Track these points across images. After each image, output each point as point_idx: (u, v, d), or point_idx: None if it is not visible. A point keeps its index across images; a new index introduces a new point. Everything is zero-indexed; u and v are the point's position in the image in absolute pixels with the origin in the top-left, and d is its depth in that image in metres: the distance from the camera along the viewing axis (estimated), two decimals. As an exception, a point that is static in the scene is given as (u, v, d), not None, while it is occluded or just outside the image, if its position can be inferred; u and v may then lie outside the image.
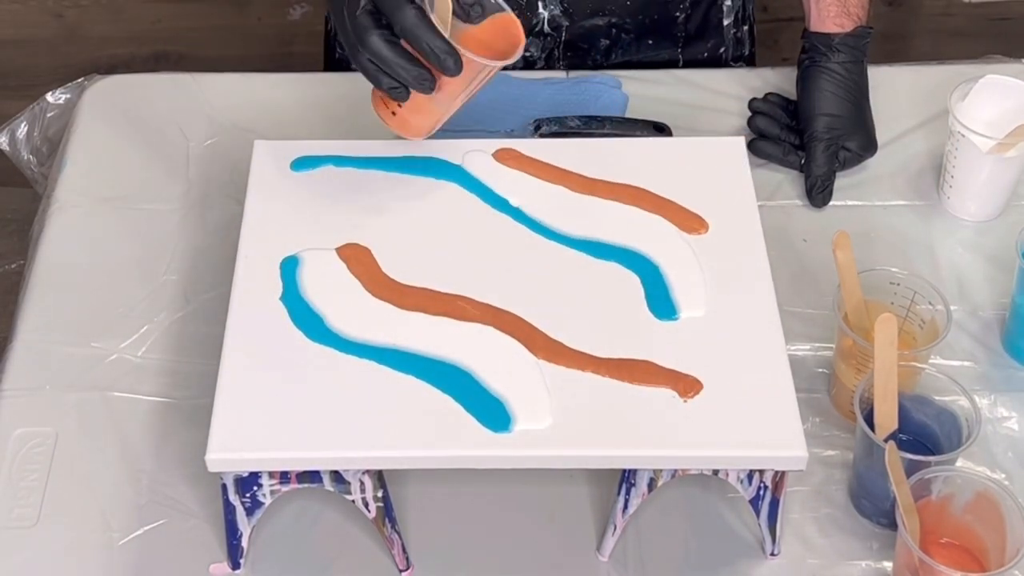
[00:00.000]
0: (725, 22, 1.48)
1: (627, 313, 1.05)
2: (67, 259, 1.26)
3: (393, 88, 1.08)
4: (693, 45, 1.47)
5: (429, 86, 1.07)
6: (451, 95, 1.10)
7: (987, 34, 2.30)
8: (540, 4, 1.40)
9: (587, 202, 1.13)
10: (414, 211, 1.12)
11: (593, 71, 1.42)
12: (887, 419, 1.06)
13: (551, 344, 1.03)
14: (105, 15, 2.32)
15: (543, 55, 1.44)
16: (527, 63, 1.44)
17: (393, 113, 1.12)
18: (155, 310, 1.21)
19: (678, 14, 1.44)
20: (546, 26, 1.42)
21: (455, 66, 1.05)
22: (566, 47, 1.44)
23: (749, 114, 1.37)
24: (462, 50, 1.05)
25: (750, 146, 1.32)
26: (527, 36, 1.40)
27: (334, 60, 1.54)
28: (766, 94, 1.37)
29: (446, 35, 1.05)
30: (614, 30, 1.43)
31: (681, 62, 1.47)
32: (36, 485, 1.10)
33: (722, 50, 1.49)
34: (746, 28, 1.51)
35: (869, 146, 1.32)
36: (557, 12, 1.41)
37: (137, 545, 1.06)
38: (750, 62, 1.53)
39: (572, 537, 1.07)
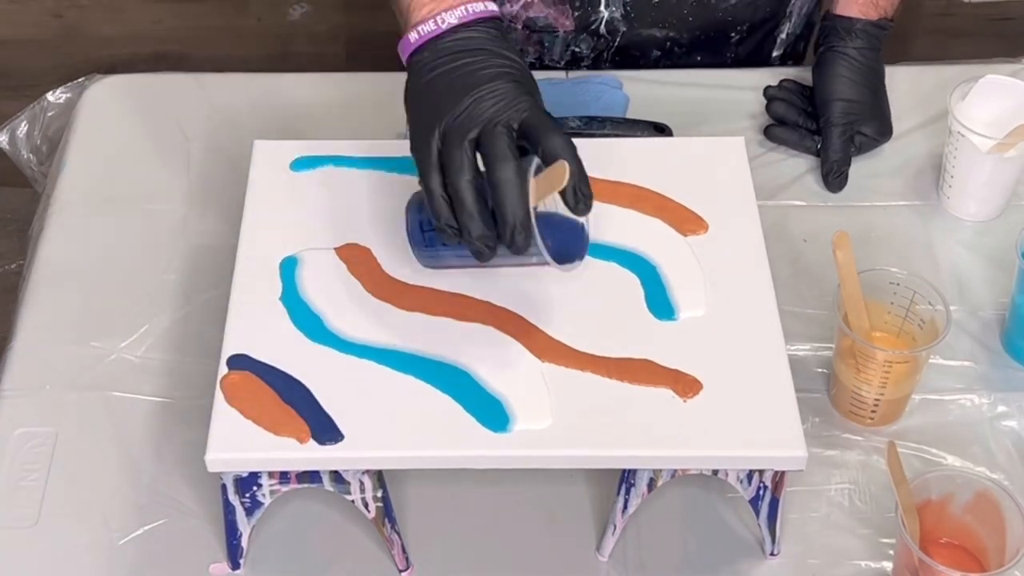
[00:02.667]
0: (774, 54, 1.47)
1: (627, 313, 1.05)
2: (67, 259, 1.26)
3: (451, 228, 0.97)
4: (738, 68, 1.46)
5: (489, 254, 0.97)
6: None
7: (987, 34, 2.30)
8: (602, 2, 1.38)
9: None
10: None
11: (593, 72, 1.42)
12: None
13: (551, 344, 1.03)
14: (105, 15, 2.32)
15: (592, 54, 1.43)
16: (575, 58, 1.43)
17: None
18: (155, 310, 1.21)
19: (733, 35, 1.43)
20: (603, 27, 1.40)
21: (523, 244, 0.95)
22: (617, 51, 1.43)
23: (750, 114, 1.37)
24: (536, 234, 0.95)
25: (766, 132, 1.34)
26: (583, 32, 1.39)
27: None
28: (780, 81, 1.38)
29: (533, 209, 0.95)
30: (669, 43, 1.42)
31: None
32: (36, 485, 1.10)
33: None
34: (790, 63, 1.50)
35: (885, 131, 1.33)
36: (617, 15, 1.39)
37: (137, 545, 1.06)
38: None
39: (572, 537, 1.07)
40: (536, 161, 0.97)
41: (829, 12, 1.35)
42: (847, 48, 1.32)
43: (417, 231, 1.03)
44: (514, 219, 0.94)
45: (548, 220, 0.99)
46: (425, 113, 1.00)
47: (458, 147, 0.97)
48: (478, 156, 0.98)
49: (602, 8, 1.39)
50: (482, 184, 0.97)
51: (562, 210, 0.99)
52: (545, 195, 0.96)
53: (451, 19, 1.02)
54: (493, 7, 1.04)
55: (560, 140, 0.97)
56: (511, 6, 1.39)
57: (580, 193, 0.97)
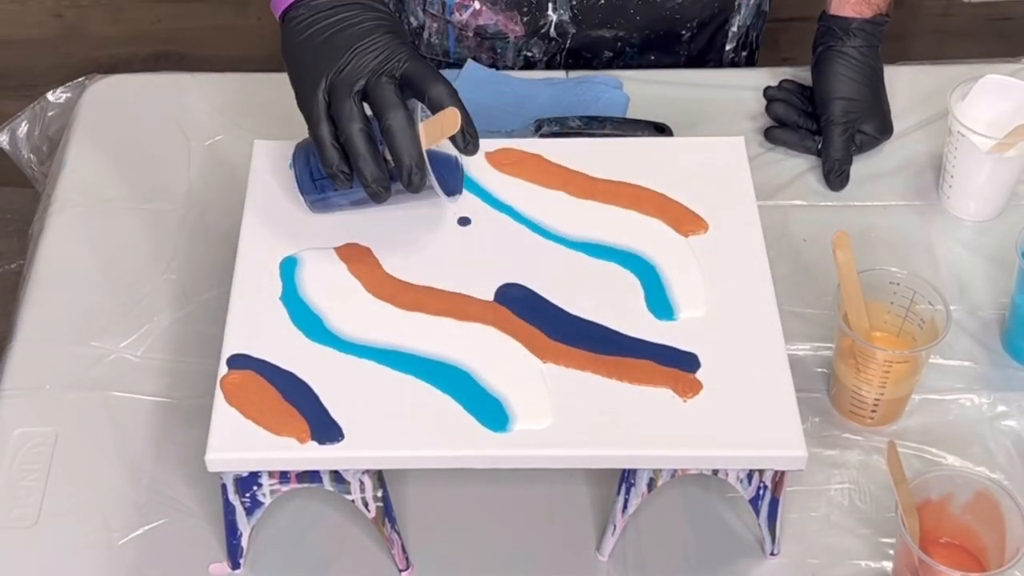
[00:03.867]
0: (727, 47, 1.48)
1: (627, 313, 1.05)
2: (67, 259, 1.26)
3: (343, 174, 1.04)
4: (693, 65, 1.47)
5: (384, 196, 1.04)
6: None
7: (987, 34, 2.30)
8: (550, 6, 1.39)
9: (586, 203, 1.13)
10: (414, 211, 1.12)
11: (593, 72, 1.42)
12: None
13: (551, 344, 1.03)
14: (105, 15, 2.32)
15: (544, 58, 1.44)
16: (527, 63, 1.44)
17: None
18: (155, 310, 1.21)
19: (684, 32, 1.44)
20: (552, 30, 1.41)
21: (419, 184, 1.02)
22: (569, 54, 1.44)
23: (750, 114, 1.37)
24: (430, 174, 1.03)
25: (766, 134, 1.35)
26: (533, 37, 1.41)
27: None
28: (780, 81, 1.38)
29: (424, 151, 1.02)
30: (619, 43, 1.43)
31: None
32: (36, 485, 1.10)
33: None
34: (745, 54, 1.51)
35: (885, 129, 1.33)
36: (566, 18, 1.40)
37: (137, 545, 1.06)
38: None
39: (572, 537, 1.07)
40: (420, 107, 1.04)
41: (825, 12, 1.35)
42: (845, 47, 1.32)
43: (307, 179, 1.08)
44: (410, 161, 1.01)
45: (432, 158, 1.05)
46: (309, 68, 1.06)
47: (347, 98, 1.03)
48: (365, 106, 1.04)
49: (550, 12, 1.39)
50: (370, 132, 1.03)
51: (444, 148, 1.07)
52: (437, 139, 1.04)
53: None
54: None
55: (444, 87, 1.04)
56: (460, 15, 1.41)
57: (468, 135, 1.04)
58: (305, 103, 1.06)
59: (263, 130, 1.31)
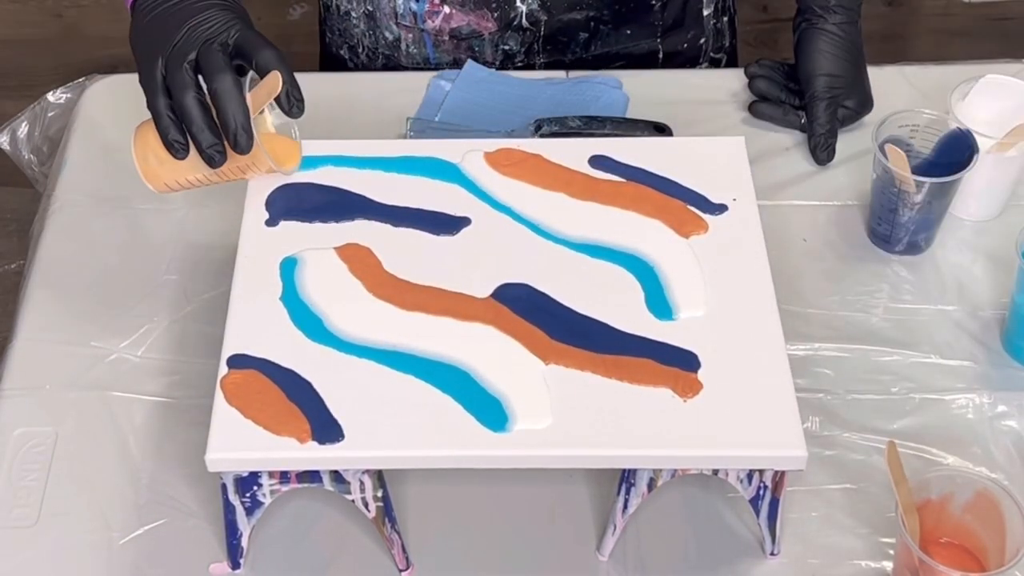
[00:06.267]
0: (704, 12, 1.48)
1: (626, 313, 1.05)
2: (67, 259, 1.26)
3: (178, 143, 1.08)
4: (673, 35, 1.47)
5: (220, 160, 1.07)
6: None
7: (987, 34, 2.30)
8: None
9: (586, 203, 1.13)
10: (414, 211, 1.12)
11: (594, 72, 1.42)
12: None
13: (551, 344, 1.03)
14: (105, 15, 2.32)
15: (522, 49, 1.44)
16: (507, 56, 1.44)
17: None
18: (155, 310, 1.21)
19: (654, 3, 1.44)
20: (524, 20, 1.41)
21: (246, 145, 1.05)
22: (545, 41, 1.44)
23: (749, 113, 1.37)
24: (257, 139, 1.06)
25: (751, 109, 1.37)
26: (507, 30, 1.41)
27: (329, 57, 1.54)
28: (757, 60, 1.40)
29: (252, 116, 1.06)
30: (592, 23, 1.43)
31: (661, 53, 1.47)
32: (36, 485, 1.10)
33: (702, 41, 1.49)
34: (726, 19, 1.51)
35: (866, 103, 1.36)
36: (535, 7, 1.40)
37: (137, 545, 1.07)
38: (731, 55, 1.54)
39: (572, 537, 1.07)
40: (252, 76, 1.08)
41: None
42: (826, 24, 1.34)
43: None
44: (235, 122, 1.05)
45: None
46: (150, 47, 1.10)
47: (179, 69, 1.07)
48: (201, 78, 1.07)
49: (519, 3, 1.40)
50: (204, 100, 1.07)
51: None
52: (264, 103, 1.07)
53: None
54: None
55: (271, 53, 1.08)
56: (433, 21, 1.41)
57: (293, 98, 1.08)
58: (144, 80, 1.10)
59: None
